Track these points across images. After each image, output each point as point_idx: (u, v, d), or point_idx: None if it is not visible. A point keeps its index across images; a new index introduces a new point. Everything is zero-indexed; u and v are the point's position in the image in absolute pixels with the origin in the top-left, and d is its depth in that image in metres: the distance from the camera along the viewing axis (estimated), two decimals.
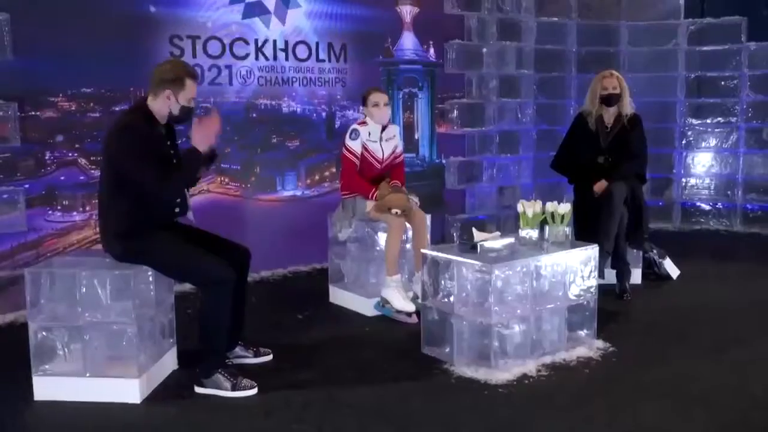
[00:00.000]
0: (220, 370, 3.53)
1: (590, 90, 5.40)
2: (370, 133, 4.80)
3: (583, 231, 5.04)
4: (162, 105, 3.55)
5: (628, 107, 5.33)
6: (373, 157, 4.83)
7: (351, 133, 4.78)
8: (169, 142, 3.64)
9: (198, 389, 3.55)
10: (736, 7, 7.86)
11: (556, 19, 7.56)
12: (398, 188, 4.77)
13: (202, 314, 3.57)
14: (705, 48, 7.77)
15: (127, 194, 3.45)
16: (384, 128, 4.87)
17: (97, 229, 3.75)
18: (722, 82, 7.73)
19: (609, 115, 5.33)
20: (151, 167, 3.41)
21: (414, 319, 4.50)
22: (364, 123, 4.84)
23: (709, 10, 8.29)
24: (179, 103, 3.55)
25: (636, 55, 7.93)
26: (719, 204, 7.80)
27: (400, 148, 5.04)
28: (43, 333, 3.47)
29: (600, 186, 5.17)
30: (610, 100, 5.28)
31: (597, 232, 4.95)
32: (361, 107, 5.00)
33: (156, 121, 3.56)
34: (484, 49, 7.00)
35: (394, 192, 4.70)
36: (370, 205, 4.74)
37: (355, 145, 4.75)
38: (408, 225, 4.78)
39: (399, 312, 4.62)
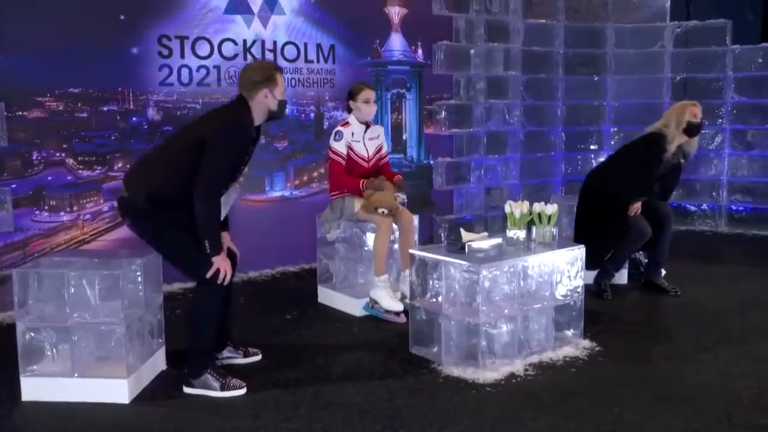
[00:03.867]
0: (209, 370, 3.53)
1: (673, 115, 5.10)
2: (353, 134, 4.81)
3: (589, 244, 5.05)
4: (259, 106, 3.61)
5: (695, 147, 5.27)
6: (359, 156, 4.83)
7: (335, 135, 4.80)
8: (251, 148, 3.70)
9: (187, 389, 3.55)
10: (721, 11, 7.95)
11: (543, 20, 7.60)
12: (385, 184, 4.75)
13: (190, 313, 3.59)
14: (690, 50, 7.85)
15: (192, 169, 3.44)
16: (367, 128, 4.89)
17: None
18: (707, 84, 7.80)
19: (675, 144, 5.09)
20: (222, 174, 3.49)
21: (402, 318, 4.53)
22: (347, 124, 4.84)
23: (695, 13, 8.41)
24: (276, 98, 3.62)
25: (622, 56, 8.00)
26: (704, 205, 7.87)
27: (385, 149, 5.04)
28: (31, 334, 3.46)
29: (635, 209, 5.06)
30: (697, 130, 5.11)
31: (600, 252, 5.03)
32: (348, 102, 4.90)
33: (253, 121, 3.63)
34: (472, 51, 7.03)
35: (380, 189, 4.69)
36: (358, 205, 4.75)
37: (339, 147, 4.77)
38: (395, 225, 4.80)
39: (387, 311, 4.64)
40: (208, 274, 3.44)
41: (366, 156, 4.87)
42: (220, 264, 3.46)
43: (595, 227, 5.10)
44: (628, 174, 5.08)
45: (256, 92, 3.58)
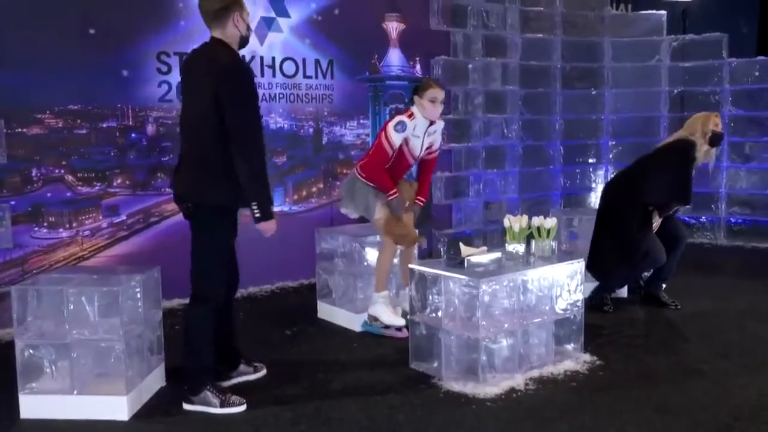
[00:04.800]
0: (208, 387, 3.51)
1: (698, 125, 5.08)
2: (416, 128, 4.50)
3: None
4: (233, 36, 3.39)
5: (714, 158, 5.30)
6: (411, 154, 4.57)
7: (397, 125, 4.44)
8: None
9: (187, 406, 3.53)
10: (717, 24, 8.01)
11: (540, 35, 7.64)
12: (403, 209, 4.62)
13: (187, 332, 3.53)
14: (687, 64, 7.89)
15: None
16: (431, 124, 4.59)
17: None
18: (704, 97, 7.83)
19: (701, 155, 5.11)
20: (257, 116, 3.33)
21: (404, 333, 4.50)
22: (412, 116, 4.51)
23: (691, 27, 8.46)
24: (245, 21, 3.43)
25: (620, 70, 8.03)
26: (703, 218, 7.89)
27: (437, 145, 4.77)
28: (30, 351, 3.45)
29: (658, 224, 5.08)
30: (720, 140, 5.14)
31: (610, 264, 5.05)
32: (412, 97, 4.62)
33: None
34: (470, 65, 7.07)
35: (397, 213, 4.53)
36: (381, 212, 4.54)
37: (397, 138, 4.43)
38: None
39: (388, 327, 4.63)
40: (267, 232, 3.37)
41: (417, 155, 4.61)
42: (265, 229, 3.39)
43: (613, 240, 5.07)
44: (665, 181, 4.99)
45: (227, 19, 3.34)
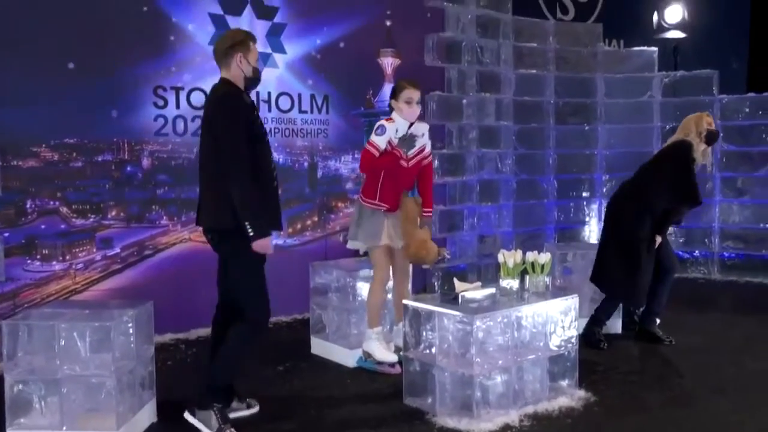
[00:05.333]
0: (215, 408, 3.52)
1: (692, 125, 5.06)
2: (397, 130, 4.47)
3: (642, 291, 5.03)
4: (237, 75, 3.60)
5: (710, 157, 5.25)
6: (402, 156, 4.50)
7: (377, 129, 4.45)
8: (255, 112, 3.69)
9: (187, 416, 3.55)
10: (708, 61, 8.11)
11: (534, 71, 7.72)
12: (425, 227, 4.61)
13: (224, 348, 3.57)
14: (679, 99, 7.97)
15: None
16: (411, 124, 4.56)
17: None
18: None
19: (699, 155, 5.05)
20: (241, 149, 3.43)
21: (397, 369, 4.47)
22: (390, 120, 4.51)
23: (682, 63, 8.55)
24: (250, 64, 3.61)
25: (612, 106, 8.11)
26: (697, 252, 7.91)
27: (428, 150, 4.71)
28: (20, 386, 3.42)
29: (659, 241, 5.07)
30: (715, 138, 5.15)
31: (634, 285, 4.98)
32: (388, 100, 4.63)
33: (241, 90, 3.62)
34: (465, 100, 7.12)
35: (421, 238, 4.48)
36: (386, 237, 4.50)
37: (379, 141, 4.42)
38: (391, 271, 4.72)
39: (381, 363, 4.60)
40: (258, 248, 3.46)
41: (407, 155, 4.54)
42: (260, 248, 3.47)
43: (618, 251, 5.04)
44: (670, 186, 4.96)
45: (230, 59, 3.57)
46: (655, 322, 5.30)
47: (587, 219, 8.17)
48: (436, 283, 6.71)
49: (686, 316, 5.95)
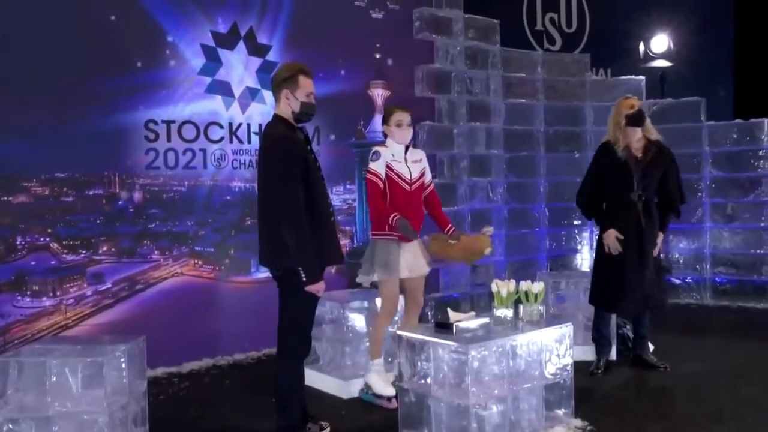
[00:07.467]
0: None
1: (611, 118, 5.01)
2: (393, 154, 4.51)
3: (602, 295, 5.06)
4: (284, 109, 3.66)
5: (654, 131, 4.97)
6: (401, 178, 4.50)
7: (372, 155, 4.50)
8: (308, 147, 3.73)
9: None
10: (695, 89, 8.20)
11: (523, 100, 7.79)
12: (458, 237, 4.69)
13: (277, 389, 3.74)
14: (667, 126, 8.00)
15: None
16: (407, 149, 4.61)
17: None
18: (685, 160, 7.94)
19: (636, 141, 4.90)
20: (291, 191, 3.50)
21: (394, 403, 4.40)
22: (384, 145, 4.57)
23: (669, 91, 8.64)
24: (298, 99, 3.64)
25: (602, 134, 7.95)
26: (689, 278, 7.92)
27: (429, 177, 4.72)
28: (10, 425, 3.36)
29: (610, 237, 4.93)
30: (639, 118, 4.86)
31: (618, 297, 4.96)
32: (380, 130, 4.68)
33: (293, 126, 3.67)
34: (455, 130, 7.17)
35: (409, 235, 4.41)
36: (404, 269, 4.54)
37: (377, 167, 4.45)
38: (402, 303, 4.71)
39: (379, 396, 4.56)
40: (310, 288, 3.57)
41: (409, 178, 4.53)
42: (314, 290, 3.57)
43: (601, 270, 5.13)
44: (585, 187, 5.21)
45: (279, 93, 3.67)
46: (648, 348, 5.28)
47: (579, 247, 8.17)
48: (429, 313, 6.68)
49: (681, 342, 5.94)
